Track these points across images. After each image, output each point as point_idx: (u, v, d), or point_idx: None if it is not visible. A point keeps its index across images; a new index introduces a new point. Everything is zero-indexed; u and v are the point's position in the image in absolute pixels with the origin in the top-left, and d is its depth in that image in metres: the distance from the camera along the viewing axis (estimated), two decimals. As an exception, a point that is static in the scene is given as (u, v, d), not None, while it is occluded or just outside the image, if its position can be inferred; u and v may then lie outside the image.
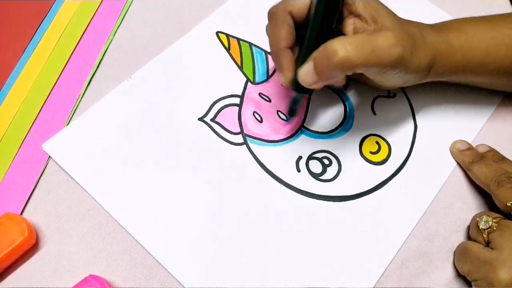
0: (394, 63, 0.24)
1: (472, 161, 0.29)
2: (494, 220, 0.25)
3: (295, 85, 0.26)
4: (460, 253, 0.26)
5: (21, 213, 0.28)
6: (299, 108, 0.29)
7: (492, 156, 0.29)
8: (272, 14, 0.26)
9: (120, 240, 0.27)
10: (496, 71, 0.28)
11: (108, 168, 0.29)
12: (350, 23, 0.25)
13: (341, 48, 0.22)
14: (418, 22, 0.27)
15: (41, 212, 0.28)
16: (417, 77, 0.27)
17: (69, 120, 0.31)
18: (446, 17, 0.35)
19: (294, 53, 0.26)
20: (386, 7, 0.26)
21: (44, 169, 0.29)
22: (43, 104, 0.31)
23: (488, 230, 0.25)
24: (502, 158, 0.29)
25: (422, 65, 0.26)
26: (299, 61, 0.25)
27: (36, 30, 0.34)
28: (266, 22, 0.33)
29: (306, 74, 0.24)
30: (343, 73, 0.24)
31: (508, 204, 0.25)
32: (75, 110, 0.31)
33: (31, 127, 0.30)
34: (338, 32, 0.26)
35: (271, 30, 0.26)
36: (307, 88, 0.25)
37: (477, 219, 0.26)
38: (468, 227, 0.27)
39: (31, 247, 0.26)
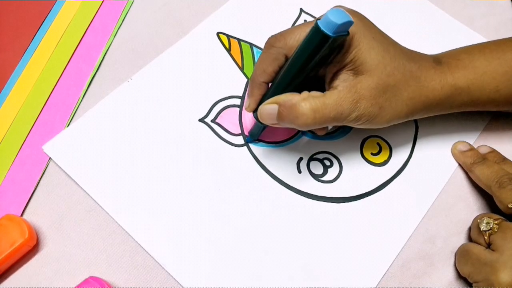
0: (352, 122, 0.25)
1: (473, 162, 0.29)
2: (495, 222, 0.25)
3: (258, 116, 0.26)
4: (461, 255, 0.26)
5: (22, 215, 0.28)
6: (260, 133, 0.29)
7: (493, 157, 0.29)
8: (269, 46, 0.25)
9: (121, 242, 0.27)
10: (505, 104, 0.27)
11: (108, 169, 0.29)
12: (331, 71, 0.25)
13: (308, 114, 0.23)
14: (422, 61, 0.26)
15: (41, 213, 0.28)
16: (400, 121, 0.26)
17: (70, 122, 0.31)
18: (446, 17, 0.35)
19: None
20: (385, 52, 0.24)
21: (45, 171, 0.29)
22: (44, 105, 0.31)
23: (489, 231, 0.25)
24: (504, 159, 0.29)
25: (399, 115, 0.25)
26: (267, 96, 0.26)
27: (37, 31, 0.34)
28: (267, 22, 0.33)
29: (268, 115, 0.25)
30: (304, 129, 0.25)
31: (510, 206, 0.25)
32: (76, 111, 0.31)
33: (31, 129, 0.30)
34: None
35: (261, 60, 0.26)
36: None
37: (478, 220, 0.26)
38: (469, 229, 0.27)
39: (31, 249, 0.26)
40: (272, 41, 0.25)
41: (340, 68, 0.24)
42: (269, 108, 0.25)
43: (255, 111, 0.27)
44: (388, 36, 0.26)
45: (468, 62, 0.26)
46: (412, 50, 0.27)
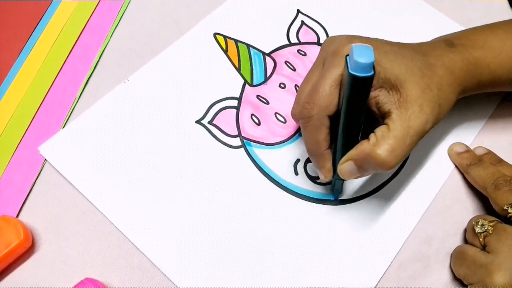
0: (430, 130, 0.24)
1: (469, 164, 0.29)
2: (490, 224, 0.25)
3: (337, 177, 0.26)
4: (456, 257, 0.26)
5: (17, 216, 0.28)
6: (341, 187, 0.28)
7: (489, 158, 0.29)
8: (306, 118, 0.24)
9: (116, 243, 0.27)
10: None
11: (104, 170, 0.29)
12: (373, 97, 0.24)
13: (386, 157, 0.22)
14: (436, 50, 0.26)
15: (37, 214, 0.28)
16: (451, 109, 0.26)
17: (65, 123, 0.30)
18: (444, 19, 0.35)
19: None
20: (401, 57, 0.24)
21: (40, 172, 0.29)
22: (39, 106, 0.31)
23: (484, 233, 0.25)
24: (500, 161, 0.29)
25: (452, 102, 0.25)
26: (337, 156, 0.25)
27: (33, 31, 0.34)
28: (264, 23, 0.32)
29: (348, 172, 0.24)
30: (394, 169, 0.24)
31: (505, 207, 0.25)
32: (72, 112, 0.31)
33: (27, 130, 0.30)
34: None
35: (308, 135, 0.25)
36: None
37: (473, 222, 0.26)
38: (465, 230, 0.27)
39: (27, 250, 0.26)
40: (305, 112, 0.24)
41: (378, 94, 0.24)
42: (346, 167, 0.24)
43: (332, 177, 0.26)
44: (390, 42, 0.26)
45: (483, 43, 0.26)
46: (417, 44, 0.27)
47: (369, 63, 0.21)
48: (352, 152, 0.24)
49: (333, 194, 0.29)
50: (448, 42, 0.26)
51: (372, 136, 0.23)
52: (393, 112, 0.24)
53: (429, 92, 0.24)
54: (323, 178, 0.26)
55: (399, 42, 0.26)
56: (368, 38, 0.25)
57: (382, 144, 0.23)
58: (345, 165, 0.24)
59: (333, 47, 0.25)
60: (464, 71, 0.25)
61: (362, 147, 0.23)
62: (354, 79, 0.22)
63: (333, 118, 0.25)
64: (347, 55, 0.22)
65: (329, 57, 0.25)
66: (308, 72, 0.27)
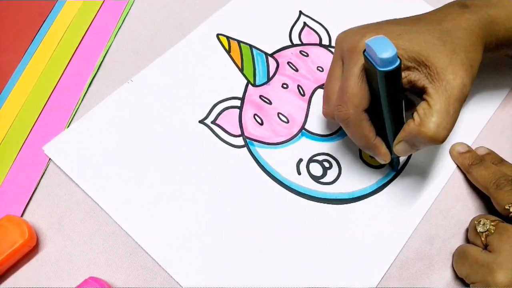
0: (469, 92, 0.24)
1: (471, 164, 0.29)
2: (492, 223, 0.25)
3: (394, 155, 0.27)
4: (458, 256, 0.26)
5: (22, 215, 0.28)
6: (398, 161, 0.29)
7: (491, 158, 0.29)
8: (346, 120, 0.25)
9: (120, 242, 0.27)
10: None
11: (108, 170, 0.29)
12: (404, 78, 0.25)
13: (434, 134, 0.23)
14: (451, 14, 0.26)
15: (41, 214, 0.28)
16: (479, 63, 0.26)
17: (70, 122, 0.31)
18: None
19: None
20: (417, 33, 0.25)
21: (45, 171, 0.29)
22: (44, 106, 0.31)
23: (486, 233, 0.25)
24: (501, 161, 0.29)
25: (479, 61, 0.25)
26: (389, 139, 0.26)
27: (37, 32, 0.34)
28: (267, 24, 0.32)
29: (403, 151, 0.25)
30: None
31: (507, 207, 0.25)
32: (76, 112, 0.31)
33: (31, 129, 0.30)
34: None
35: (353, 133, 0.26)
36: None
37: (475, 222, 0.26)
38: (467, 230, 0.27)
39: (31, 249, 0.27)
40: (342, 115, 0.25)
41: (409, 74, 0.24)
42: (400, 147, 0.25)
43: (390, 158, 0.27)
44: (401, 21, 0.26)
45: (496, 1, 0.26)
46: (430, 13, 0.27)
47: (393, 56, 0.21)
48: (401, 134, 0.25)
49: (393, 168, 0.29)
50: (461, 4, 0.27)
51: (415, 115, 0.24)
52: (428, 87, 0.24)
53: (457, 56, 0.24)
54: (383, 162, 0.27)
55: (410, 17, 0.26)
56: (378, 25, 0.26)
57: (427, 122, 0.23)
58: (399, 146, 0.25)
59: (348, 44, 0.25)
60: (482, 28, 0.25)
61: (410, 129, 0.24)
62: (385, 75, 0.22)
63: (370, 109, 0.25)
64: (364, 50, 0.23)
65: (346, 55, 0.25)
66: (329, 70, 0.27)
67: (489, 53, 0.27)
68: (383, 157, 0.26)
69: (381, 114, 0.25)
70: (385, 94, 0.23)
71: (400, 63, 0.22)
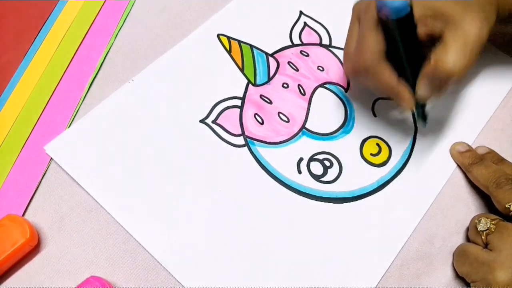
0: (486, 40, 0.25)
1: (471, 163, 0.29)
2: (493, 222, 0.25)
3: (417, 104, 0.27)
4: (459, 255, 0.26)
5: (23, 215, 0.28)
6: (425, 112, 0.29)
7: (491, 157, 0.29)
8: (366, 68, 0.26)
9: (122, 242, 0.27)
10: None
11: (109, 170, 0.29)
12: (422, 26, 0.25)
13: (452, 64, 0.24)
14: None
15: (43, 213, 0.28)
16: (492, 26, 0.26)
17: (71, 122, 0.31)
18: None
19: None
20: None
21: (46, 171, 0.29)
22: (45, 106, 0.31)
23: (487, 232, 0.25)
24: (502, 160, 0.29)
25: (493, 24, 0.26)
26: (411, 86, 0.26)
27: (38, 32, 0.34)
28: (267, 24, 0.33)
29: (426, 92, 0.26)
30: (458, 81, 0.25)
31: (507, 206, 0.25)
32: (77, 112, 0.31)
33: (33, 129, 0.30)
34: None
35: (376, 80, 0.26)
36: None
37: (476, 221, 0.26)
38: (468, 229, 0.27)
39: (32, 248, 0.27)
40: (360, 65, 0.26)
41: (426, 23, 0.25)
42: (422, 88, 0.26)
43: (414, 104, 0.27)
44: None
45: None
46: None
47: (403, 3, 0.23)
48: (421, 76, 0.25)
49: (421, 123, 0.30)
50: None
51: (432, 55, 0.25)
52: (445, 31, 0.25)
53: (472, 9, 0.25)
54: (408, 108, 0.27)
55: None
56: None
57: (443, 56, 0.24)
58: (421, 88, 0.26)
59: (363, 5, 0.27)
60: None
61: (428, 66, 0.25)
62: (398, 22, 0.23)
63: (391, 60, 0.26)
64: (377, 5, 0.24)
65: (362, 14, 0.26)
66: (347, 32, 0.28)
67: (501, 26, 0.28)
68: (408, 103, 0.26)
69: (402, 65, 0.26)
70: (401, 42, 0.25)
71: (412, 10, 0.23)
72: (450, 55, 0.24)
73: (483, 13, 0.25)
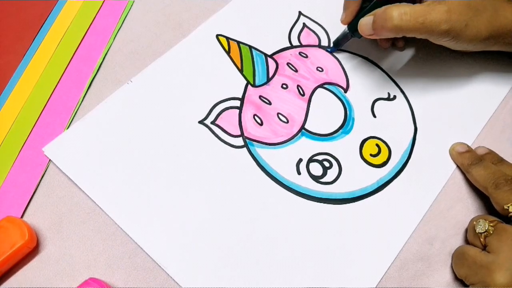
0: (441, 34, 0.27)
1: (470, 164, 0.29)
2: (491, 224, 0.25)
3: (351, 27, 0.31)
4: (458, 257, 0.26)
5: (22, 216, 0.28)
6: (343, 43, 0.33)
7: (491, 158, 0.29)
8: None
9: (120, 243, 0.27)
10: None
11: (108, 171, 0.29)
12: None
13: (396, 16, 0.26)
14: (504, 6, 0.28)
15: (41, 215, 0.28)
16: (477, 46, 0.29)
17: (70, 124, 0.31)
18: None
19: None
20: None
21: (45, 172, 0.29)
22: (44, 107, 0.31)
23: (485, 234, 0.25)
24: (501, 160, 0.29)
25: (480, 36, 0.28)
26: (365, 11, 0.30)
27: (37, 33, 0.34)
28: (266, 24, 0.33)
29: (365, 25, 0.28)
30: (394, 35, 0.28)
31: (505, 207, 0.25)
32: (76, 113, 0.31)
33: (31, 131, 0.30)
34: None
35: None
36: (359, 33, 0.30)
37: (474, 222, 0.26)
38: (467, 230, 0.27)
39: (31, 250, 0.27)
40: None
41: None
42: (367, 19, 0.28)
43: (349, 23, 0.31)
44: None
45: None
46: None
47: None
48: (376, 11, 0.28)
49: (332, 44, 0.34)
50: None
51: (394, 6, 0.27)
52: (427, 1, 0.27)
53: (467, 10, 0.27)
54: (342, 19, 0.31)
55: None
56: None
57: (400, 6, 0.26)
58: (367, 18, 0.28)
59: None
60: (508, 24, 0.28)
61: (384, 8, 0.27)
62: None
63: None
64: None
65: None
66: None
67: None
68: (346, 16, 0.31)
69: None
70: None
71: None
72: (400, 12, 0.26)
73: (471, 17, 0.26)
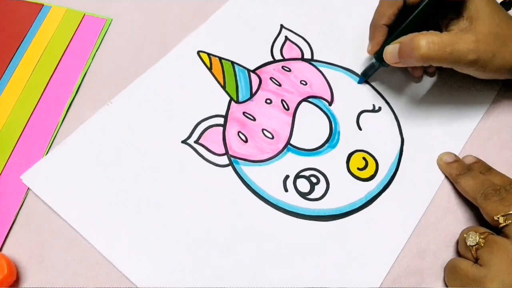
0: (469, 64, 0.27)
1: (459, 174, 0.28)
2: (482, 236, 0.24)
3: (378, 56, 0.30)
4: (450, 271, 0.26)
5: (0, 249, 0.27)
6: (371, 74, 0.32)
7: (479, 167, 0.29)
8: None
9: (105, 273, 0.26)
10: None
11: (89, 197, 0.28)
12: (447, 18, 0.28)
13: (425, 45, 0.26)
14: None
15: (21, 246, 0.27)
16: (502, 75, 0.28)
17: (48, 149, 0.30)
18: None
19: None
20: (494, 7, 0.27)
21: (24, 201, 0.28)
22: (21, 133, 0.30)
23: (476, 246, 0.24)
24: (489, 169, 0.29)
25: (506, 66, 0.27)
26: (391, 38, 0.29)
27: (12, 58, 0.33)
28: (248, 39, 0.32)
29: (390, 53, 0.28)
30: (421, 64, 0.27)
31: (495, 218, 0.25)
32: (54, 138, 0.30)
33: (8, 158, 0.29)
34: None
35: (381, 5, 0.29)
36: (386, 63, 0.29)
37: (465, 235, 0.25)
38: (458, 242, 0.27)
39: (11, 285, 0.26)
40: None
41: (456, 16, 0.27)
42: (393, 47, 0.28)
43: (375, 53, 0.31)
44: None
45: None
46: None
47: None
48: (403, 37, 0.27)
49: (360, 76, 0.33)
50: None
51: (422, 33, 0.27)
52: (454, 30, 0.27)
53: (495, 40, 0.26)
54: (369, 50, 0.31)
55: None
56: None
57: (427, 35, 0.26)
58: (392, 46, 0.28)
59: None
60: None
61: (413, 34, 0.27)
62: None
63: (400, 12, 0.29)
64: None
65: None
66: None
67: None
68: (373, 45, 0.30)
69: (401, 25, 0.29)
70: (419, 11, 0.28)
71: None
72: (428, 41, 0.26)
73: (499, 49, 0.26)
